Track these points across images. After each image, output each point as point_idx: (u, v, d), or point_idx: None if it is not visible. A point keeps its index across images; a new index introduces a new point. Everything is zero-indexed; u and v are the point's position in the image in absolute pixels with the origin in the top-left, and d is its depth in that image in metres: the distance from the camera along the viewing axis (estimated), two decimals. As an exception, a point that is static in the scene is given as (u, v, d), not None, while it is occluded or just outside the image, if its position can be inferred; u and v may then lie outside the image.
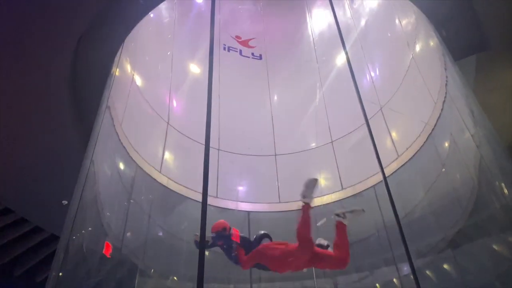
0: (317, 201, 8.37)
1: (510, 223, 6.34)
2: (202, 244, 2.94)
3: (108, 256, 6.38)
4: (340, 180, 8.27)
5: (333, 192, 8.31)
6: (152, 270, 8.38)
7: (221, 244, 4.91)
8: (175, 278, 8.32)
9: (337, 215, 4.70)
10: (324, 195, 8.38)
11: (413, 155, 7.50)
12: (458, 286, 7.92)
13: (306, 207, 4.55)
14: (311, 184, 4.53)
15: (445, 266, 8.03)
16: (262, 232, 5.09)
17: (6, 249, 9.39)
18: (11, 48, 6.79)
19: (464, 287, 7.92)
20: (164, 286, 8.37)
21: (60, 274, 5.39)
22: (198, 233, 2.89)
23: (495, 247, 7.16)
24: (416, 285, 3.49)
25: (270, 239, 5.02)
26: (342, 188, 8.22)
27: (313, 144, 8.91)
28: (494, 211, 6.74)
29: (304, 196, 4.57)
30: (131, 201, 7.33)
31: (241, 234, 5.00)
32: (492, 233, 7.06)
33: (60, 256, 5.43)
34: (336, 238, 4.66)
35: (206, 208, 2.95)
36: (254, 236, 5.05)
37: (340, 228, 4.66)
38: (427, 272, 8.01)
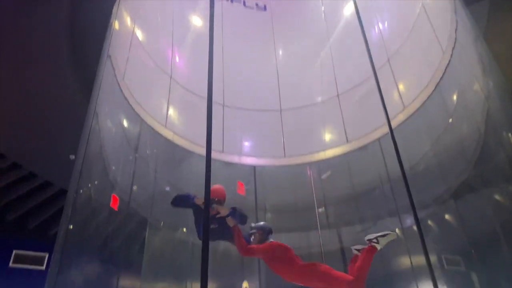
0: (321, 155, 8.43)
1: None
2: (207, 203, 2.87)
3: (116, 209, 6.51)
4: (346, 134, 8.25)
5: (338, 146, 8.32)
6: (162, 223, 8.62)
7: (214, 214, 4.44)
8: (184, 230, 8.56)
9: (369, 240, 4.23)
10: (329, 149, 8.40)
11: (420, 106, 7.41)
12: (459, 236, 8.12)
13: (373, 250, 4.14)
14: (389, 238, 4.11)
15: (447, 216, 8.18)
16: (269, 226, 4.58)
17: (18, 204, 9.65)
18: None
19: (464, 237, 8.11)
20: (173, 238, 8.64)
21: (71, 227, 5.54)
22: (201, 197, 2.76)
23: (497, 197, 7.24)
24: (420, 235, 3.55)
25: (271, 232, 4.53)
26: (347, 142, 8.22)
27: (319, 98, 8.81)
28: (498, 161, 6.74)
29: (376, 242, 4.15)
30: (136, 155, 7.39)
31: (240, 211, 4.48)
32: (495, 184, 7.11)
33: (68, 210, 5.56)
34: (360, 261, 4.23)
35: (210, 167, 2.94)
36: (255, 225, 4.58)
37: (370, 252, 4.23)
38: (429, 222, 8.18)
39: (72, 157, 7.90)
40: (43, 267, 9.31)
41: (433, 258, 8.16)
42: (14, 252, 9.41)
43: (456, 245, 8.48)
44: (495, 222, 7.30)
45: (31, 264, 9.40)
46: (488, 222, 7.40)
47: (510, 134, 6.33)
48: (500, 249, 7.67)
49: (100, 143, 6.79)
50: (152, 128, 7.66)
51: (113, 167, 7.23)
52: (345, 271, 4.32)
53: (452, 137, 7.45)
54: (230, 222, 4.39)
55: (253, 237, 4.46)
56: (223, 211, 4.41)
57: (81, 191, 5.91)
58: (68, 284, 6.42)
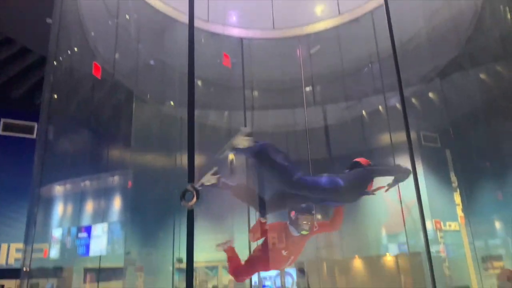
0: (311, 28, 8.07)
1: (504, 53, 6.26)
2: (191, 91, 2.67)
3: (99, 77, 6.36)
4: (338, 5, 7.79)
5: (329, 18, 7.92)
6: (148, 95, 8.58)
7: None
8: (171, 103, 8.58)
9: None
10: (320, 21, 8.01)
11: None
12: (439, 115, 8.35)
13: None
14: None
15: (431, 95, 8.29)
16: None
17: (-2, 71, 9.38)
18: None
19: (445, 116, 8.36)
20: (161, 111, 8.71)
21: (55, 96, 5.48)
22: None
23: (483, 77, 7.26)
24: (403, 113, 3.59)
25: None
26: (339, 14, 7.80)
27: (313, -36, 8.08)
28: (490, 40, 6.58)
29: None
30: (117, 21, 6.94)
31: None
32: (483, 63, 7.06)
33: (49, 78, 5.42)
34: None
35: (193, 37, 2.76)
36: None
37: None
38: (413, 100, 8.32)
39: (50, 21, 7.38)
40: (34, 136, 9.48)
41: (412, 135, 8.53)
42: (2, 120, 9.48)
43: (435, 123, 8.80)
44: (477, 102, 7.45)
45: (21, 132, 9.55)
46: (470, 102, 7.55)
47: (508, 9, 6.05)
48: (477, 129, 7.99)
49: (76, 5, 6.28)
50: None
51: (93, 33, 6.84)
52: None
53: (449, 12, 7.12)
54: None
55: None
56: None
57: (60, 58, 5.69)
58: (58, 153, 6.63)
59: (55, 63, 5.60)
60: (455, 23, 7.14)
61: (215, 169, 3.60)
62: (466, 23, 6.89)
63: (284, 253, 3.96)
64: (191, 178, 2.41)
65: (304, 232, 3.88)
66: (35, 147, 6.46)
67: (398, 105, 4.86)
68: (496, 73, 7.01)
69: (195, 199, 2.30)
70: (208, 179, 3.60)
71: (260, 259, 4.08)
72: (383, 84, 6.90)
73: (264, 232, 3.99)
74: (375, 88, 7.60)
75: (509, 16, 6.05)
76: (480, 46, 6.92)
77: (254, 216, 7.81)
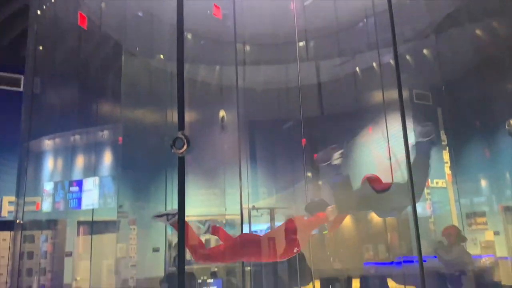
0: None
1: (501, 7, 6.12)
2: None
3: (85, 28, 6.13)
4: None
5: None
6: (137, 49, 8.36)
7: None
8: (161, 56, 8.38)
9: None
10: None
11: None
12: (433, 72, 8.28)
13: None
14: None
15: (426, 51, 8.17)
16: None
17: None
18: None
19: (439, 73, 8.29)
20: (150, 65, 8.52)
21: (41, 48, 5.31)
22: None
23: (479, 33, 7.14)
24: (396, 70, 3.53)
25: None
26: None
27: None
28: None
29: None
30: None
31: None
32: (480, 19, 6.92)
33: (33, 27, 5.21)
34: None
35: None
36: None
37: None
38: (407, 56, 8.21)
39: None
40: (21, 89, 9.27)
41: (405, 92, 8.49)
42: (-13, 73, 9.22)
43: (429, 81, 8.74)
44: (472, 59, 7.37)
45: (7, 85, 9.33)
46: (465, 60, 7.47)
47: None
48: (470, 87, 7.97)
49: None
50: None
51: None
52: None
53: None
54: None
55: None
56: None
57: (44, 7, 5.45)
58: (46, 107, 6.52)
59: (39, 12, 5.37)
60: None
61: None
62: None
63: (294, 250, 3.99)
64: (181, 126, 2.39)
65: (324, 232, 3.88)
66: (22, 100, 6.34)
67: (392, 62, 4.79)
68: (492, 29, 6.88)
69: (185, 146, 2.28)
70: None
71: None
72: (377, 39, 6.75)
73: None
74: (370, 44, 7.46)
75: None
76: (477, 1, 6.75)
77: (247, 172, 7.90)
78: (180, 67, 2.53)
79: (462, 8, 6.88)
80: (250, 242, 3.95)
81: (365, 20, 7.59)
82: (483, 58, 7.40)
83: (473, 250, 8.47)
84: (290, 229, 3.87)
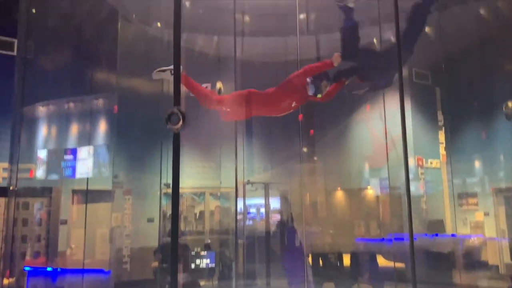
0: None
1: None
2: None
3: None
4: None
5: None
6: (134, 15, 8.16)
7: None
8: (158, 24, 8.19)
9: None
10: None
11: None
12: (434, 51, 8.16)
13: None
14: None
15: (427, 29, 8.02)
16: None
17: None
18: None
19: (440, 52, 8.18)
20: (147, 32, 8.33)
21: (34, 11, 5.15)
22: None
23: (482, 12, 7.01)
24: (398, 47, 3.47)
25: None
26: None
27: None
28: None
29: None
30: None
31: None
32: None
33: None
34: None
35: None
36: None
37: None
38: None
39: None
40: (14, 53, 9.06)
41: (404, 71, 8.40)
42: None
43: (428, 60, 8.63)
44: (473, 39, 7.26)
45: (0, 48, 9.10)
46: (466, 38, 7.36)
47: None
48: (470, 67, 7.89)
49: None
50: None
51: None
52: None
53: None
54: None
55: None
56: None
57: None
58: (40, 72, 6.40)
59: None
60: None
61: None
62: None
63: (293, 104, 4.24)
64: (177, 101, 2.36)
65: (319, 95, 4.22)
66: (15, 64, 6.21)
67: (393, 38, 4.70)
68: (495, 8, 6.76)
69: (181, 122, 2.24)
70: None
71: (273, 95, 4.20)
72: (379, 14, 6.60)
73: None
74: (372, 18, 7.30)
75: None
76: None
77: (242, 146, 7.89)
78: (176, 42, 2.45)
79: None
80: (254, 94, 4.24)
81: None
82: (485, 38, 7.29)
83: (463, 229, 8.62)
84: (297, 74, 4.15)
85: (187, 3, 7.18)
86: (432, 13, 7.45)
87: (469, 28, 7.30)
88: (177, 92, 2.42)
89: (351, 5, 4.58)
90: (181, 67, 2.85)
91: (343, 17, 4.53)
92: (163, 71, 3.96)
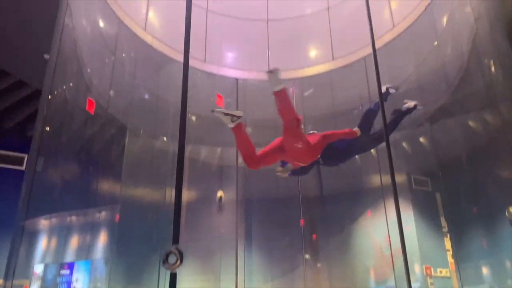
0: (305, 72, 8.29)
1: (490, 101, 6.44)
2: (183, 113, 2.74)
3: (92, 113, 6.41)
4: (332, 50, 8.04)
5: (323, 63, 8.15)
6: (141, 130, 8.61)
7: None
8: (164, 138, 8.59)
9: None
10: (314, 65, 8.24)
11: (409, 26, 7.20)
12: (429, 158, 8.43)
13: (283, 93, 3.76)
14: (273, 78, 3.69)
15: (421, 139, 8.40)
16: None
17: (-8, 103, 9.40)
18: None
19: (435, 160, 8.44)
20: (153, 146, 8.71)
21: (47, 129, 5.47)
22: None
23: (471, 123, 7.41)
24: (388, 155, 3.61)
25: None
26: (333, 59, 8.04)
27: (308, 10, 8.40)
28: (477, 89, 6.79)
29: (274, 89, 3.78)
30: (113, 58, 7.08)
31: None
32: (471, 111, 7.23)
33: (43, 110, 5.43)
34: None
35: (187, 74, 2.81)
36: None
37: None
38: (404, 143, 8.42)
39: (47, 56, 7.56)
40: (23, 167, 9.34)
41: (403, 178, 8.58)
42: (-9, 150, 9.36)
43: (425, 167, 8.86)
44: (465, 148, 7.55)
45: (10, 163, 9.41)
46: (459, 147, 7.66)
47: (492, 62, 6.31)
48: (465, 174, 8.06)
49: (74, 41, 6.42)
50: (131, 30, 7.26)
51: (89, 69, 6.96)
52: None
53: (437, 61, 7.38)
54: None
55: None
56: None
57: (55, 92, 5.74)
58: (47, 186, 6.53)
59: (49, 97, 5.65)
60: (444, 71, 7.39)
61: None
62: (454, 71, 7.14)
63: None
64: (175, 239, 2.27)
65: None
66: (24, 178, 6.36)
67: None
68: (482, 121, 7.17)
69: (178, 262, 2.15)
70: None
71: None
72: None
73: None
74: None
75: (493, 68, 6.29)
76: (467, 94, 7.12)
77: (243, 256, 7.65)
78: (180, 157, 2.57)
79: (454, 101, 7.25)
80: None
81: (360, 107, 7.93)
82: (475, 146, 7.60)
83: None
84: (321, 135, 4.40)
85: (193, 118, 7.64)
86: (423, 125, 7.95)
87: (460, 138, 7.65)
88: (176, 230, 2.30)
89: (392, 90, 4.93)
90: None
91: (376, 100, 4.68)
92: (226, 114, 3.77)
